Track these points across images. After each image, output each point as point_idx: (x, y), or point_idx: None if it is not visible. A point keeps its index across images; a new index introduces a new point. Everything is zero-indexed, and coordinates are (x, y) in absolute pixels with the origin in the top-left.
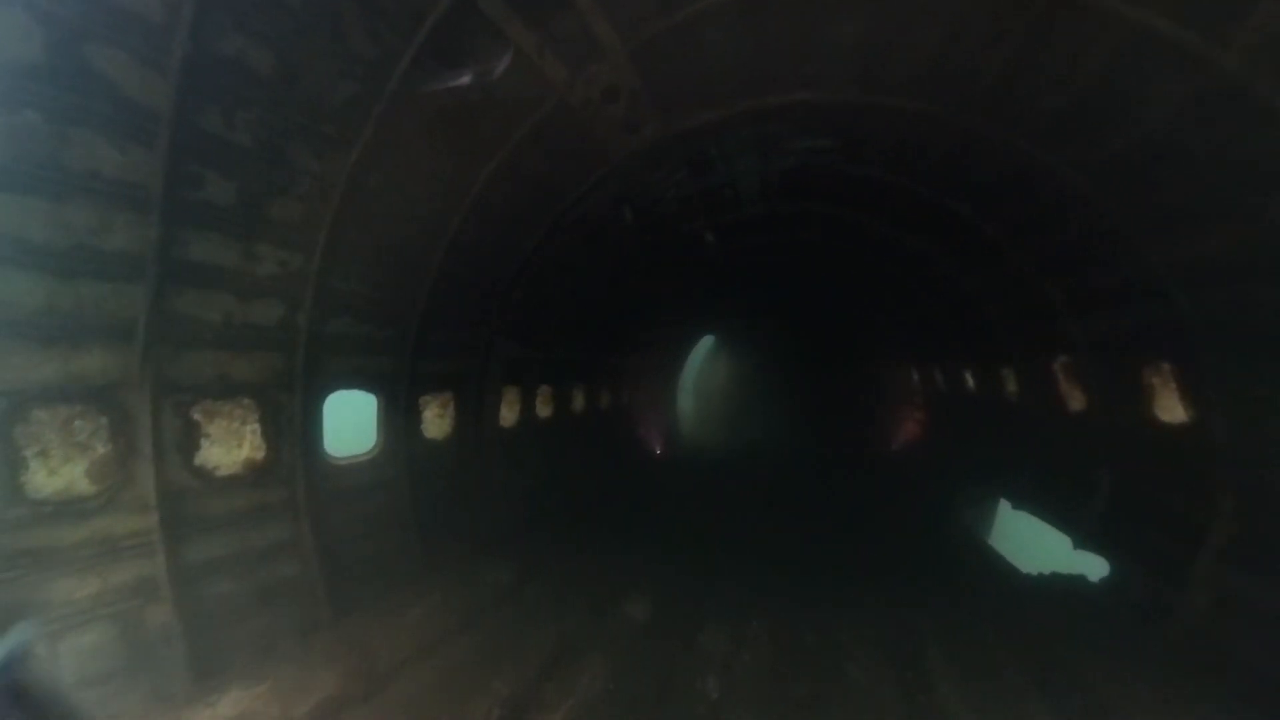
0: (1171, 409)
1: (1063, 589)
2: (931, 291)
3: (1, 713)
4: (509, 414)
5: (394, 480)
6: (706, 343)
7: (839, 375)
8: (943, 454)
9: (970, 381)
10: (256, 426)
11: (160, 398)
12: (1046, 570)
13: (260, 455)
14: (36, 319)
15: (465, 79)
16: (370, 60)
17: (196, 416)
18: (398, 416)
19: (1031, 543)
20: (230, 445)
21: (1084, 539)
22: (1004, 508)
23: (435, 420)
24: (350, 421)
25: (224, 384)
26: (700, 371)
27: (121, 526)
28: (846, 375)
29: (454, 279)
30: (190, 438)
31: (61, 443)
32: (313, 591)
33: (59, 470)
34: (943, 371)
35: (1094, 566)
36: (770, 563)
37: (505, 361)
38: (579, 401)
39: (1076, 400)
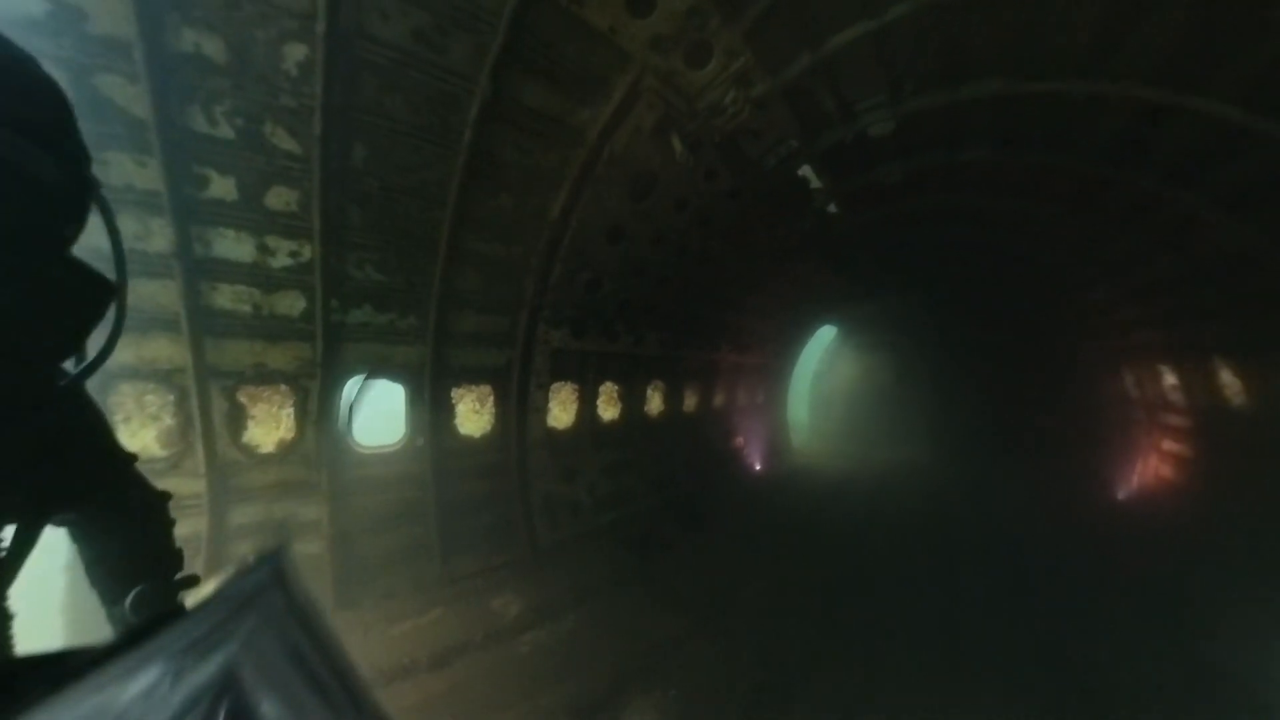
0: None
1: None
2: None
3: (266, 587)
4: (562, 414)
5: (417, 476)
6: (826, 335)
7: (1026, 377)
8: (1238, 521)
9: None
10: (291, 411)
11: (209, 382)
12: None
13: (292, 437)
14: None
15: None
16: (298, 10)
17: (242, 399)
18: (422, 409)
19: None
20: (270, 426)
21: None
22: None
23: (471, 415)
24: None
25: (262, 371)
26: (817, 371)
27: (180, 488)
28: (1039, 377)
29: (470, 255)
30: (238, 418)
31: (139, 413)
32: (323, 574)
33: (137, 434)
34: (1244, 370)
35: None
36: (898, 684)
37: (553, 353)
38: (655, 403)
39: None
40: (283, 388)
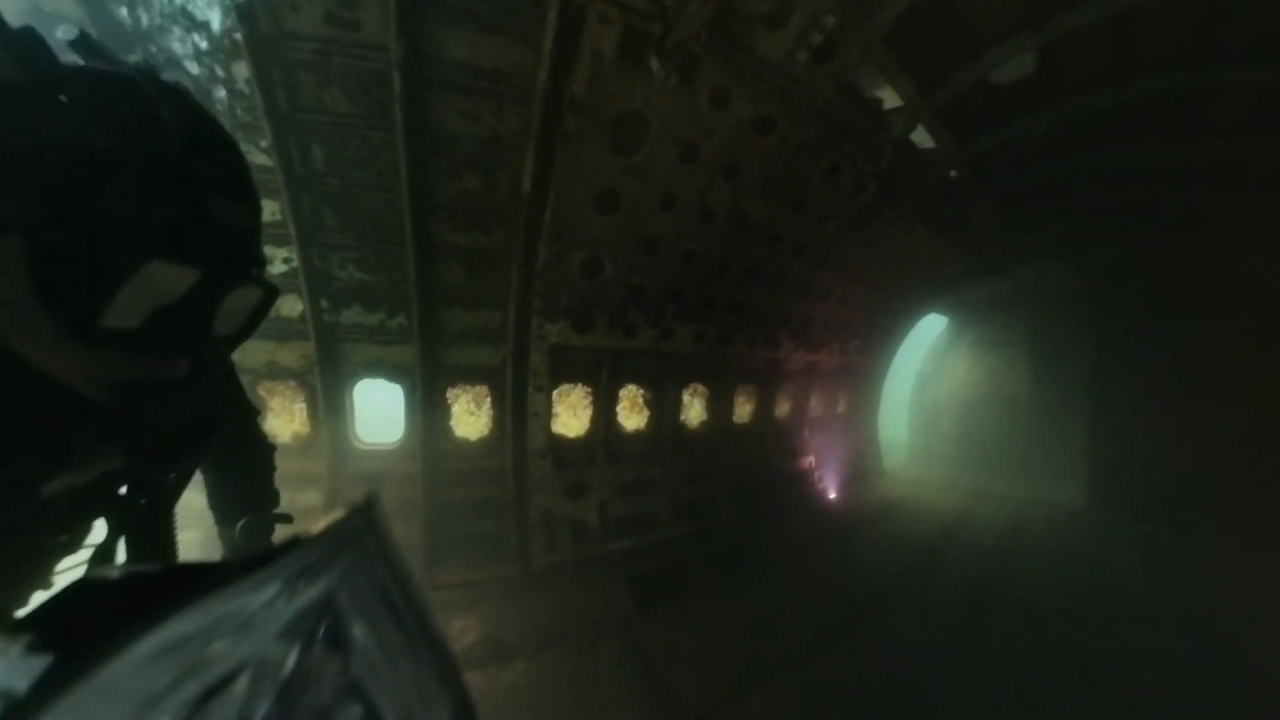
0: None
1: None
2: None
3: (362, 530)
4: (571, 421)
5: (410, 476)
6: (932, 326)
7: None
8: None
9: None
10: (303, 406)
11: None
12: None
13: (305, 431)
14: None
15: None
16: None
17: (261, 393)
18: (415, 409)
19: None
20: (285, 419)
21: None
22: None
23: (466, 417)
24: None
25: (275, 368)
26: (921, 373)
27: None
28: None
29: (445, 246)
30: (259, 409)
31: None
32: None
33: None
34: None
35: None
36: None
37: (551, 350)
38: (694, 411)
39: None
40: (292, 384)
